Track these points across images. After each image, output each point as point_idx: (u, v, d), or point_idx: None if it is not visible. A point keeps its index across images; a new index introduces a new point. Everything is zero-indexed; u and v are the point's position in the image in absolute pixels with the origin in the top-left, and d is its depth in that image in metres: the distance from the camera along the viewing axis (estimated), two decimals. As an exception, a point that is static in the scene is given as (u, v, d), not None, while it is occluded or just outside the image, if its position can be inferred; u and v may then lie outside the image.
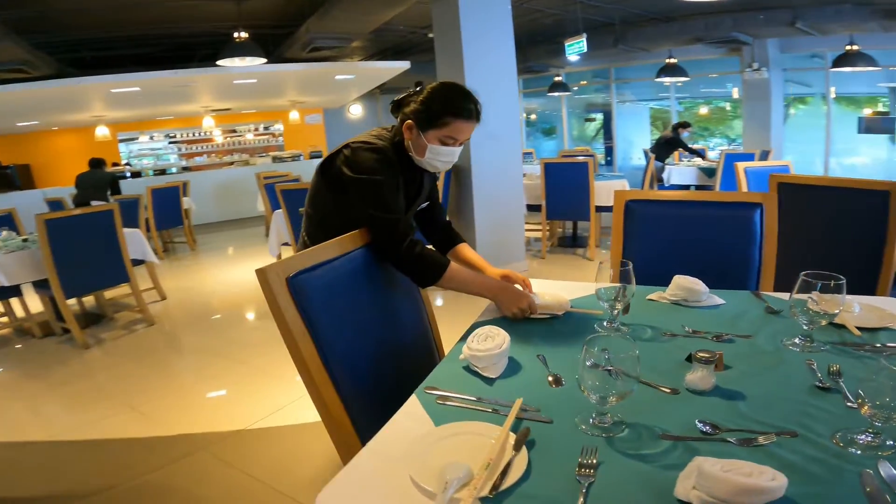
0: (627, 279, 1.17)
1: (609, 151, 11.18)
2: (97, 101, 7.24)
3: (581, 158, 4.53)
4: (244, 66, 5.78)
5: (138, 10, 5.01)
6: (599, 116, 12.10)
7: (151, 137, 10.86)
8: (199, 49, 6.47)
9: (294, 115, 10.12)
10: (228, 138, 11.33)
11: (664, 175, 6.20)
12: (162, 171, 9.62)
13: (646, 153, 6.94)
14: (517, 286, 1.36)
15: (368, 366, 1.23)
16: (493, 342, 1.04)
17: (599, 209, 4.63)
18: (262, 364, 3.00)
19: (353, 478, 0.75)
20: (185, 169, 9.99)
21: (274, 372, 2.88)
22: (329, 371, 1.09)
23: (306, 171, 8.61)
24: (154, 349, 3.42)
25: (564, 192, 4.60)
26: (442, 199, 4.19)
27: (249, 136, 11.43)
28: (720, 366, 0.97)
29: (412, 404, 0.94)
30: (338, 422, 1.07)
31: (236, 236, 7.41)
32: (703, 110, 12.37)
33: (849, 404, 0.81)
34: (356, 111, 12.46)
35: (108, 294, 4.17)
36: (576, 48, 5.83)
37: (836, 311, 1.02)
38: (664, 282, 1.41)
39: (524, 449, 0.76)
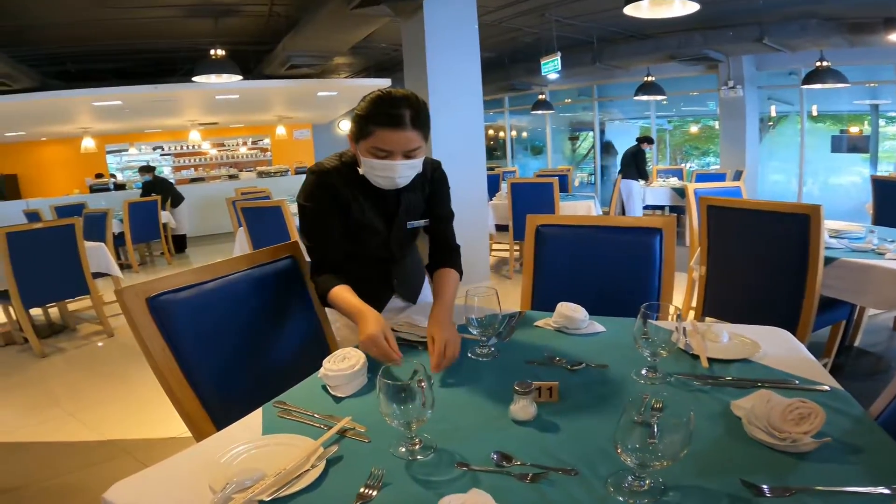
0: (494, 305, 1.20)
1: (594, 170, 11.24)
2: (81, 113, 7.33)
3: (550, 178, 4.57)
4: (220, 83, 5.87)
5: (114, 24, 5.11)
6: (588, 135, 12.21)
7: (140, 150, 10.96)
8: (180, 64, 6.57)
9: (281, 131, 10.21)
10: (220, 151, 11.41)
11: (637, 194, 6.26)
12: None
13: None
14: (384, 335, 1.13)
15: (248, 384, 1.26)
16: (347, 363, 1.07)
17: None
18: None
19: (154, 477, 0.79)
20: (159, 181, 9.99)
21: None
22: (194, 386, 1.14)
23: (288, 188, 8.64)
24: (109, 360, 3.45)
25: (530, 211, 4.60)
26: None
27: (243, 150, 11.52)
28: (555, 396, 0.99)
29: (254, 416, 0.98)
30: (203, 433, 1.11)
31: (217, 251, 7.44)
32: (693, 129, 12.47)
33: (650, 441, 0.83)
34: (346, 127, 12.58)
35: (73, 306, 4.21)
36: (551, 66, 5.92)
37: (675, 344, 1.04)
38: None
39: (323, 463, 0.79)
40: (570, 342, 1.29)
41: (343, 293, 1.28)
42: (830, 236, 2.48)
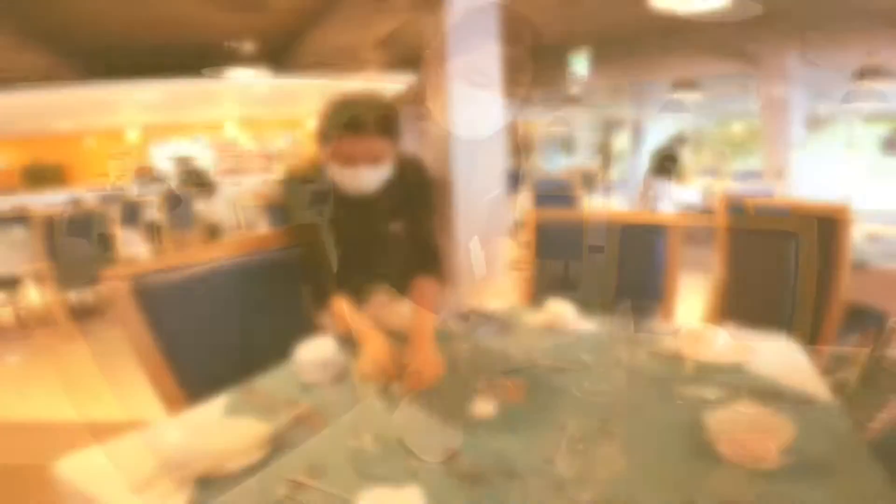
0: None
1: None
2: (123, 105, 7.64)
3: (574, 175, 4.48)
4: (250, 78, 5.99)
5: (149, 18, 5.29)
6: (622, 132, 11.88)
7: (182, 143, 11.34)
8: (214, 59, 6.75)
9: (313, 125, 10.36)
10: (259, 145, 11.69)
11: (668, 193, 6.03)
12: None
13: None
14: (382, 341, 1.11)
15: (235, 369, 1.25)
16: (319, 352, 1.06)
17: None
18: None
19: (102, 453, 0.83)
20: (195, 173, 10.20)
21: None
22: (175, 369, 1.15)
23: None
24: (134, 345, 3.57)
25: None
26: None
27: (280, 144, 11.76)
28: (521, 395, 0.95)
29: (221, 399, 0.99)
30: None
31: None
32: (737, 128, 11.91)
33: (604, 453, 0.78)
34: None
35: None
36: (579, 62, 5.77)
37: (657, 347, 0.98)
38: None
39: (268, 448, 0.79)
40: (555, 341, 1.25)
41: (342, 308, 1.25)
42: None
